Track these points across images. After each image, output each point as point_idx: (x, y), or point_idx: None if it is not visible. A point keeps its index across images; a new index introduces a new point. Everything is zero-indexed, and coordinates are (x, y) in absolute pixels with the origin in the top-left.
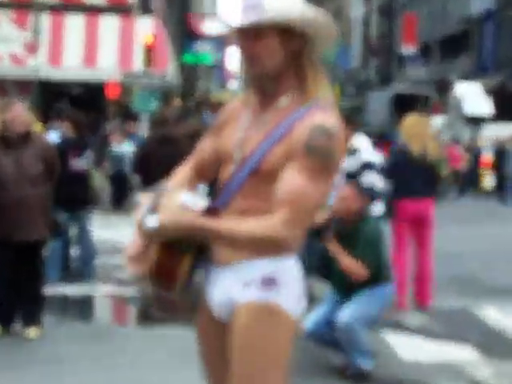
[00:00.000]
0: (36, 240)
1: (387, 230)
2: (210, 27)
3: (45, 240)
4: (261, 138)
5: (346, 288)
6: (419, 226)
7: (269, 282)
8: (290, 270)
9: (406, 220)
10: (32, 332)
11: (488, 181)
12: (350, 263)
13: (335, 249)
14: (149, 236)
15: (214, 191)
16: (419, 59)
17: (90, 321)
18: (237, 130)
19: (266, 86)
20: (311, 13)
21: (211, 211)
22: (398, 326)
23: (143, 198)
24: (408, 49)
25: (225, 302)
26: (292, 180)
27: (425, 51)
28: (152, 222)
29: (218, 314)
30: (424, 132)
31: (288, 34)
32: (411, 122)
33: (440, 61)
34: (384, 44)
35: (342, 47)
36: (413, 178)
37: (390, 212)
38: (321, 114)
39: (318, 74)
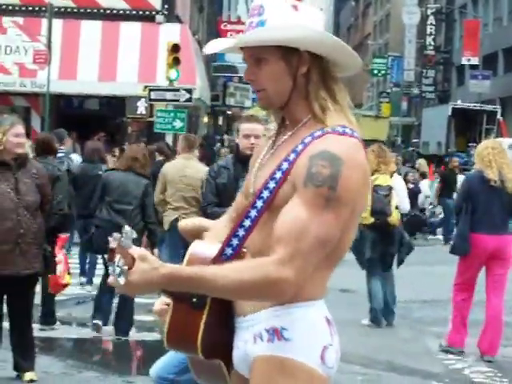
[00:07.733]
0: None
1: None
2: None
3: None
4: (271, 172)
5: None
6: (495, 265)
7: (274, 334)
8: (303, 318)
9: (480, 257)
10: (28, 376)
11: None
12: None
13: None
14: (121, 292)
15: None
16: (482, 71)
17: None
18: (256, 164)
19: (280, 114)
20: (321, 33)
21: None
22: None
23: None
24: (469, 60)
25: (243, 356)
26: (290, 215)
27: (489, 62)
28: (121, 279)
29: (241, 370)
30: (501, 159)
31: (294, 56)
32: (486, 146)
33: (506, 73)
34: (442, 54)
35: (393, 59)
36: (491, 209)
37: (463, 247)
38: (326, 139)
39: (336, 100)
